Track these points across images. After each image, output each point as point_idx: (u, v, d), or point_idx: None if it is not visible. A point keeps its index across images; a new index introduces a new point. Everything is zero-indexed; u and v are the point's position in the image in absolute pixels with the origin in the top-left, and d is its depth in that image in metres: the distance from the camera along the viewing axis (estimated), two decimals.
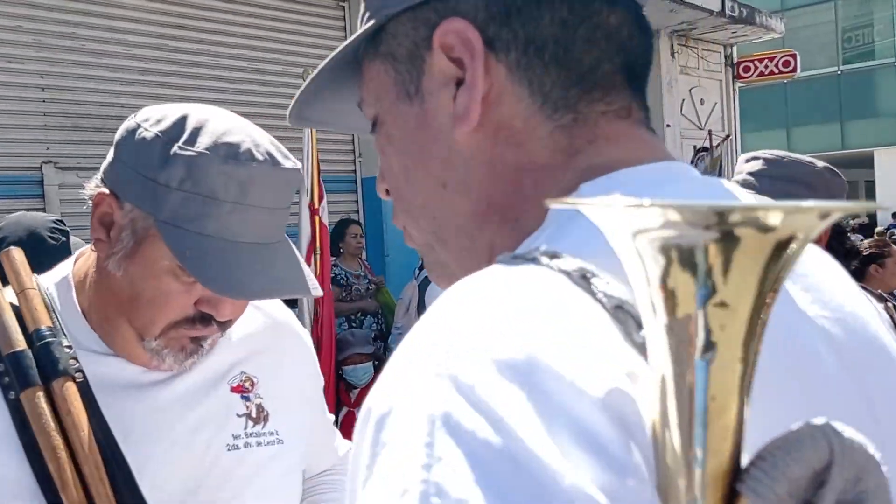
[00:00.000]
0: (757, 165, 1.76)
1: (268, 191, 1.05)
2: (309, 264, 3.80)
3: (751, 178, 1.78)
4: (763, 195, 1.59)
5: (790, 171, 1.68)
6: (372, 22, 0.62)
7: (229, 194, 1.01)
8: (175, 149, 1.01)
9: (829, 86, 23.10)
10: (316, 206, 3.77)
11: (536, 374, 0.40)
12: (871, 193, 24.96)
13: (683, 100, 12.03)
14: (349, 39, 0.64)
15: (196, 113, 1.06)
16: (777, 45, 13.86)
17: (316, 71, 0.68)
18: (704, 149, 12.47)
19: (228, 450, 1.15)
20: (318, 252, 3.77)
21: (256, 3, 6.56)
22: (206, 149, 1.01)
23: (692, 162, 11.15)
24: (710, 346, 0.36)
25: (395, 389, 0.43)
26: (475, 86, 0.57)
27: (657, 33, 11.33)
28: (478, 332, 0.43)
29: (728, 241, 0.34)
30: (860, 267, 4.13)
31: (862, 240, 10.89)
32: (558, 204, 0.38)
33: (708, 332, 0.36)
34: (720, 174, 10.50)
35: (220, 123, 1.06)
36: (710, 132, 11.00)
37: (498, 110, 0.59)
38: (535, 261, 0.47)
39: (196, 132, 1.03)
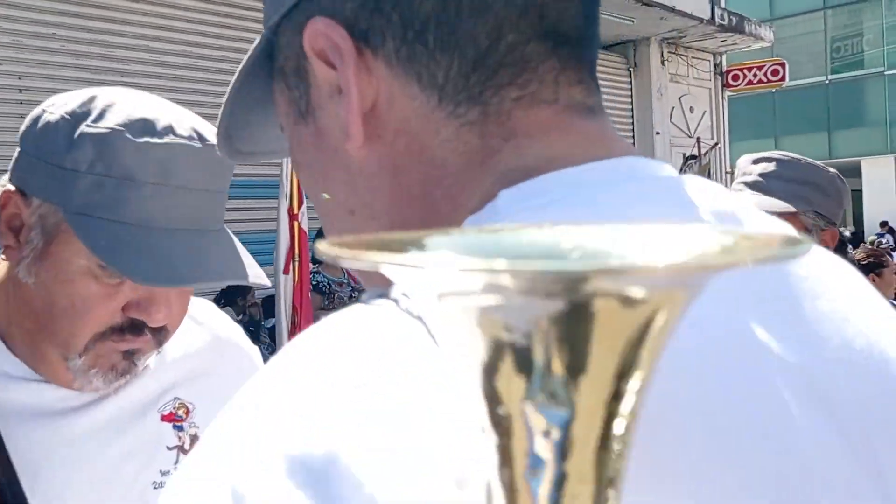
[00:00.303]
0: (769, 167, 1.70)
1: (194, 170, 0.90)
2: (287, 272, 3.71)
3: (761, 180, 1.71)
4: (775, 196, 1.51)
5: (804, 173, 1.62)
6: (260, 37, 0.54)
7: (148, 174, 0.87)
8: (82, 128, 0.87)
9: (818, 95, 23.16)
10: (295, 211, 3.68)
11: (331, 483, 0.33)
12: (858, 203, 25.06)
13: (673, 108, 12.00)
14: (243, 60, 0.55)
15: (107, 93, 0.92)
16: (766, 53, 13.88)
17: (226, 98, 0.57)
18: (693, 156, 12.44)
19: (155, 488, 0.99)
20: (297, 259, 3.67)
21: (240, 4, 6.47)
22: (119, 125, 0.87)
23: (681, 170, 11.12)
24: (538, 462, 0.25)
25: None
26: (349, 92, 0.46)
27: (647, 41, 11.32)
28: (282, 412, 0.36)
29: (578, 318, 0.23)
30: None
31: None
32: (325, 248, 0.25)
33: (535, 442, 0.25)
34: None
35: (135, 101, 0.92)
36: (698, 139, 10.96)
37: (390, 115, 0.47)
38: (395, 300, 0.38)
39: (106, 109, 0.89)
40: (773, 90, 23.86)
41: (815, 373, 0.42)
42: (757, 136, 23.90)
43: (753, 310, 0.41)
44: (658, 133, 11.41)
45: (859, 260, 4.06)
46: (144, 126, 0.88)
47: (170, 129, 0.89)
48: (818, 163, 1.66)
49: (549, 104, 0.47)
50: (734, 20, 11.39)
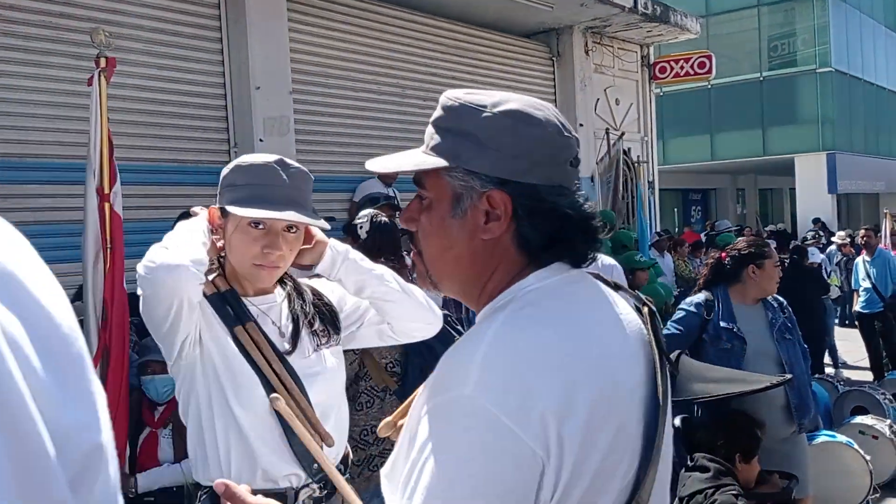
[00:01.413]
0: (435, 115, 1.20)
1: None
2: (97, 263, 3.23)
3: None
4: (441, 154, 1.11)
5: (459, 121, 1.13)
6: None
7: None
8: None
9: (753, 92, 23.22)
10: (106, 190, 3.19)
11: None
12: (791, 201, 25.26)
13: (598, 99, 11.71)
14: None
15: None
16: (697, 45, 13.67)
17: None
18: (624, 151, 12.18)
19: None
20: (110, 246, 3.18)
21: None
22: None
23: (598, 160, 10.84)
24: None
25: None
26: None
27: (570, 30, 11.02)
28: None
29: None
30: (735, 267, 3.73)
31: (774, 246, 10.57)
32: None
33: None
34: (617, 175, 10.14)
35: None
36: (607, 130, 10.68)
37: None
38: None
39: None
40: (709, 86, 23.95)
41: None
42: (692, 132, 23.92)
43: None
44: (582, 125, 11.07)
45: (739, 250, 3.72)
46: None
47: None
48: (488, 101, 1.12)
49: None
50: (658, 10, 11.12)
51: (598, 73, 11.68)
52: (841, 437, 5.10)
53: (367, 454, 2.92)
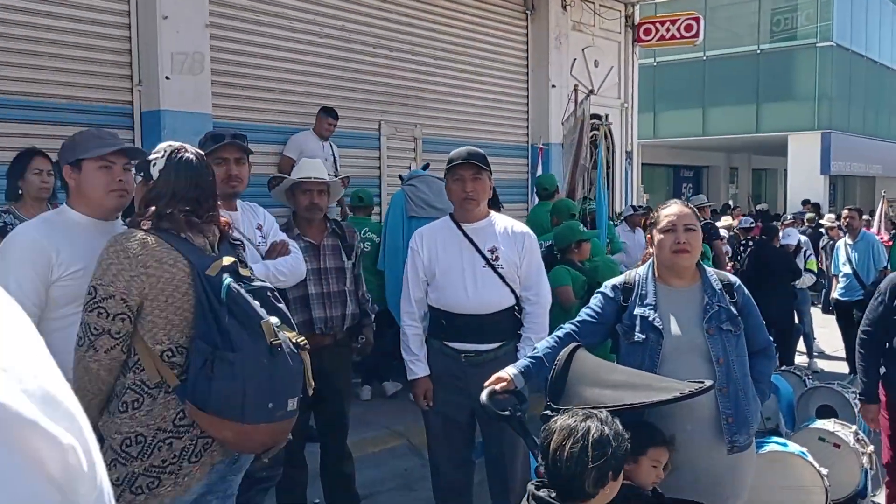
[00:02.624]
0: None
1: None
2: None
3: None
4: None
5: None
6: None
7: None
8: None
9: (749, 65, 22.33)
10: None
11: None
12: (783, 181, 24.45)
13: (575, 59, 10.90)
14: None
15: None
16: (686, 9, 12.80)
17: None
18: (597, 116, 11.44)
19: None
20: None
21: None
22: None
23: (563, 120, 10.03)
24: None
25: None
26: None
27: None
28: None
29: None
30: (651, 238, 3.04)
31: (753, 226, 9.73)
32: None
33: None
34: (580, 140, 9.31)
35: None
36: (575, 87, 9.88)
37: None
38: None
39: None
40: (704, 57, 23.05)
41: None
42: (684, 105, 23.05)
43: None
44: (554, 86, 10.27)
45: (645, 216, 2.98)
46: None
47: None
48: None
49: None
50: None
51: (577, 30, 10.86)
52: (793, 447, 4.39)
53: (129, 471, 2.18)
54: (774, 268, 8.07)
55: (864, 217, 11.07)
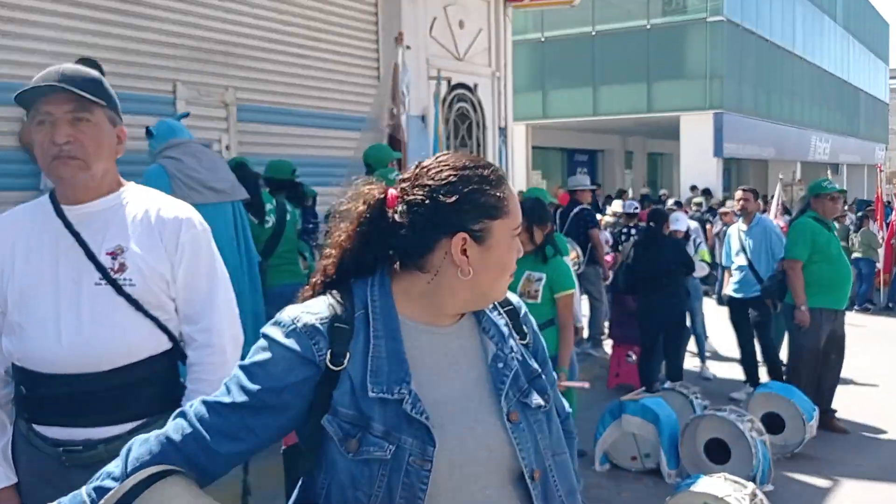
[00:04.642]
0: None
1: None
2: None
3: None
4: None
5: None
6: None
7: None
8: None
9: (638, 41, 21.27)
10: None
11: None
12: (677, 164, 23.62)
13: (435, 18, 9.35)
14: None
15: None
16: None
17: None
18: (464, 85, 9.98)
19: None
20: None
21: None
22: None
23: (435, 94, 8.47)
24: None
25: None
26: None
27: None
28: None
29: None
30: None
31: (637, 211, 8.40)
32: None
33: None
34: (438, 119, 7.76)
35: None
36: (406, 46, 8.34)
37: None
38: None
39: None
40: (593, 33, 21.94)
41: None
42: (573, 84, 21.88)
43: None
44: (409, 48, 8.67)
45: None
46: None
47: None
48: None
49: None
50: None
51: None
52: None
53: None
54: (664, 260, 6.69)
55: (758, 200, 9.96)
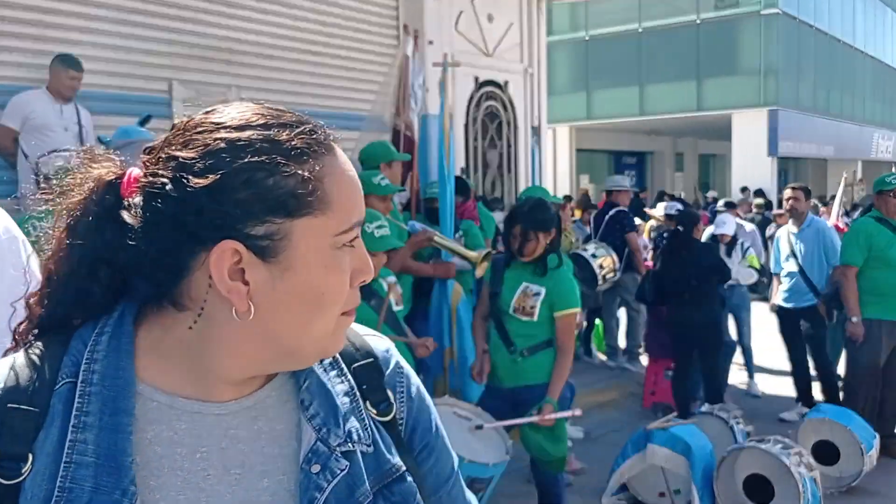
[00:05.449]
0: None
1: None
2: None
3: None
4: None
5: None
6: None
7: None
8: None
9: (688, 37, 20.43)
10: None
11: None
12: (729, 164, 22.66)
13: (461, 12, 8.87)
14: None
15: None
16: None
17: None
18: (493, 83, 9.45)
19: None
20: None
21: None
22: None
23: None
24: None
25: None
26: None
27: None
28: None
29: None
30: None
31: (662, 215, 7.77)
32: None
33: None
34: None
35: None
36: (415, 36, 7.85)
37: None
38: None
39: None
40: (640, 29, 21.17)
41: None
42: (619, 83, 21.15)
43: None
44: (431, 43, 8.20)
45: None
46: None
47: None
48: None
49: None
50: None
51: None
52: None
53: None
54: (694, 267, 6.04)
55: (813, 200, 9.21)
